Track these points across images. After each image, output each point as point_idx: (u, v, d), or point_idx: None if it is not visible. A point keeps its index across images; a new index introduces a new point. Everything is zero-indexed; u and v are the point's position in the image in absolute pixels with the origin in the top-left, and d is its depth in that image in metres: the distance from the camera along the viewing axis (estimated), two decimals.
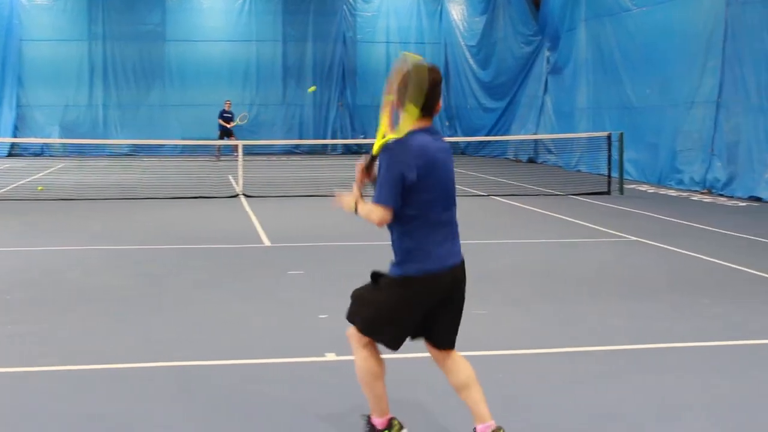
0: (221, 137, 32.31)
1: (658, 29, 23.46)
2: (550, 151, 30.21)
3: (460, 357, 5.14)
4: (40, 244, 12.96)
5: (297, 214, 16.88)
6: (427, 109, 4.73)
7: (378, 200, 4.74)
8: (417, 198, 4.73)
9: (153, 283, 10.19)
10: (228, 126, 32.74)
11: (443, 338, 5.08)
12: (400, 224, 4.81)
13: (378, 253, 12.04)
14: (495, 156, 34.06)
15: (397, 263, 4.86)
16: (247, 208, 17.25)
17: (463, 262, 4.96)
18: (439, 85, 4.75)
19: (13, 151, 34.40)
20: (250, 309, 8.89)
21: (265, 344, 7.62)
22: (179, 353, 7.26)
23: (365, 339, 5.02)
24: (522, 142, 31.52)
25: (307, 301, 9.24)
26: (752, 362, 7.11)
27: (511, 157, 32.80)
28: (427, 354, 7.13)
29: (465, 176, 25.14)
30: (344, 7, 37.08)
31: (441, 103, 4.86)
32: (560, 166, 28.44)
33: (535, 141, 30.69)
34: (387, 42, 37.45)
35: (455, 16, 37.15)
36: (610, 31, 25.87)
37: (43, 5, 34.99)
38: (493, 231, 14.66)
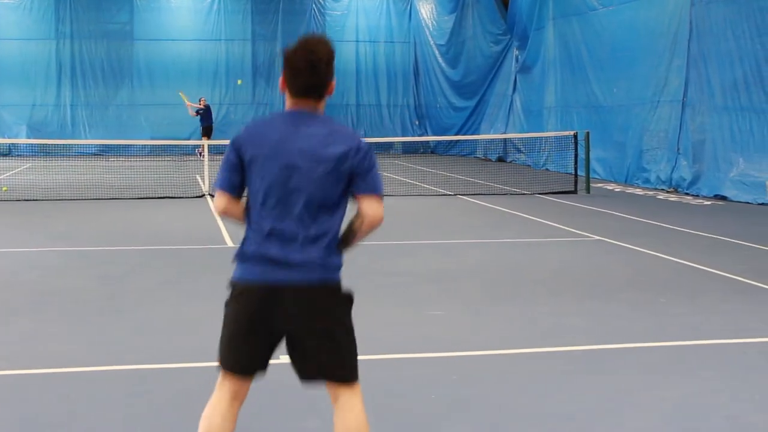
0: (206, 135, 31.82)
1: (625, 28, 23.59)
2: (519, 150, 30.28)
3: (353, 406, 4.26)
4: None
5: None
6: (296, 90, 4.04)
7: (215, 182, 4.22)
8: (249, 186, 4.11)
9: (111, 285, 10.11)
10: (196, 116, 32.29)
11: (319, 369, 4.23)
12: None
13: (358, 253, 12.05)
14: (464, 155, 34.13)
15: None
16: (213, 209, 17.17)
17: (316, 284, 4.07)
18: (312, 63, 3.95)
19: None
20: (208, 311, 8.80)
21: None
22: (132, 356, 7.20)
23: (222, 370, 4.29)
24: (491, 141, 31.58)
25: None
26: (705, 363, 7.13)
27: (480, 156, 32.87)
28: (387, 355, 7.18)
29: (432, 175, 25.20)
30: (313, 6, 37.06)
31: (328, 84, 4.06)
32: (529, 165, 28.51)
33: (504, 140, 30.75)
34: (356, 41, 37.48)
35: (424, 15, 37.19)
36: (577, 30, 25.98)
37: (9, 4, 34.79)
38: (455, 230, 14.67)
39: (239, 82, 19.02)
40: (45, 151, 34.01)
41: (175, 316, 8.60)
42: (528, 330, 8.12)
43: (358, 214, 4.16)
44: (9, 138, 33.74)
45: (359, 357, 4.39)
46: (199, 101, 32.58)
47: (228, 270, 10.73)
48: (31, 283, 10.16)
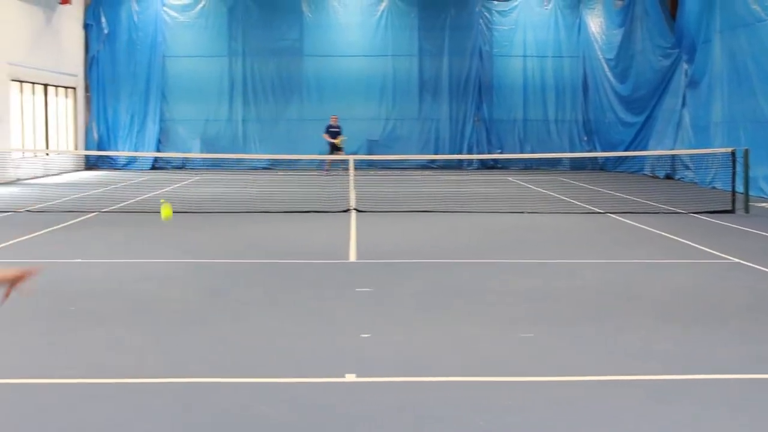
0: (331, 152, 32.21)
1: None
2: (687, 167, 29.17)
3: None
4: (129, 257, 13.24)
5: (405, 230, 16.62)
6: None
7: None
8: None
9: (213, 298, 10.23)
10: (333, 141, 32.60)
11: None
12: None
13: (465, 271, 11.89)
14: (633, 172, 33.15)
15: None
16: (353, 223, 17.17)
17: None
18: None
19: (157, 164, 35.56)
20: (293, 326, 8.78)
21: (288, 362, 7.48)
22: (196, 368, 7.22)
23: None
24: (659, 157, 30.53)
25: (356, 319, 9.08)
26: None
27: (648, 173, 31.86)
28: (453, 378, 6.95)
29: (590, 192, 24.59)
30: (480, 21, 36.79)
31: None
32: (696, 183, 27.42)
33: (672, 156, 29.68)
34: (524, 56, 36.98)
35: (593, 29, 36.37)
36: (744, 43, 24.80)
37: (185, 22, 36.05)
38: (585, 250, 14.18)
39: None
40: (217, 165, 35.13)
41: (257, 330, 8.60)
42: (617, 356, 7.68)
43: None
44: (184, 152, 35.00)
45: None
46: (332, 119, 32.87)
47: (335, 284, 11.03)
48: (140, 294, 10.39)
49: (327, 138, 32.68)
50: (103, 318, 9.07)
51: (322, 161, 32.29)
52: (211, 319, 9.10)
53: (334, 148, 32.33)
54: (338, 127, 32.81)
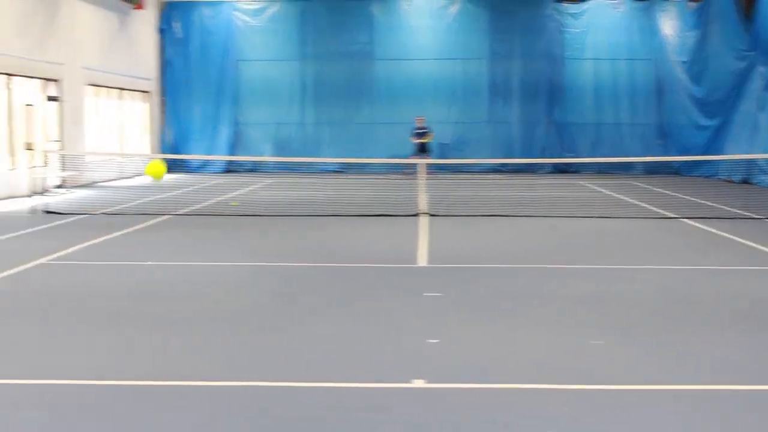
0: (417, 153, 32.25)
1: None
2: (764, 172, 28.60)
3: None
4: (199, 259, 13.35)
5: (475, 234, 16.57)
6: None
7: None
8: None
9: (280, 301, 10.29)
10: (422, 141, 32.84)
11: None
12: None
13: (536, 276, 11.81)
14: (708, 176, 32.58)
15: None
16: (424, 227, 17.10)
17: None
18: None
19: (230, 168, 35.88)
20: (360, 331, 8.79)
21: (354, 366, 7.48)
22: (260, 373, 7.25)
23: None
24: (736, 162, 29.97)
25: (424, 325, 9.06)
26: None
27: (724, 177, 31.30)
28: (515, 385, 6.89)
29: (659, 196, 24.27)
30: (552, 24, 36.45)
31: None
32: None
33: (749, 161, 29.11)
34: (596, 59, 36.49)
35: (666, 31, 35.82)
36: None
37: (257, 27, 36.30)
38: (656, 255, 13.92)
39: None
40: (289, 168, 35.32)
41: (321, 336, 8.60)
42: (687, 365, 7.56)
43: None
44: (256, 155, 35.26)
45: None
46: (417, 121, 33.15)
47: (404, 289, 11.05)
48: (200, 296, 10.51)
49: (415, 141, 32.91)
50: (158, 321, 9.17)
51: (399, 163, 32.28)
52: (277, 322, 9.15)
53: (422, 150, 32.47)
54: (425, 128, 33.13)
